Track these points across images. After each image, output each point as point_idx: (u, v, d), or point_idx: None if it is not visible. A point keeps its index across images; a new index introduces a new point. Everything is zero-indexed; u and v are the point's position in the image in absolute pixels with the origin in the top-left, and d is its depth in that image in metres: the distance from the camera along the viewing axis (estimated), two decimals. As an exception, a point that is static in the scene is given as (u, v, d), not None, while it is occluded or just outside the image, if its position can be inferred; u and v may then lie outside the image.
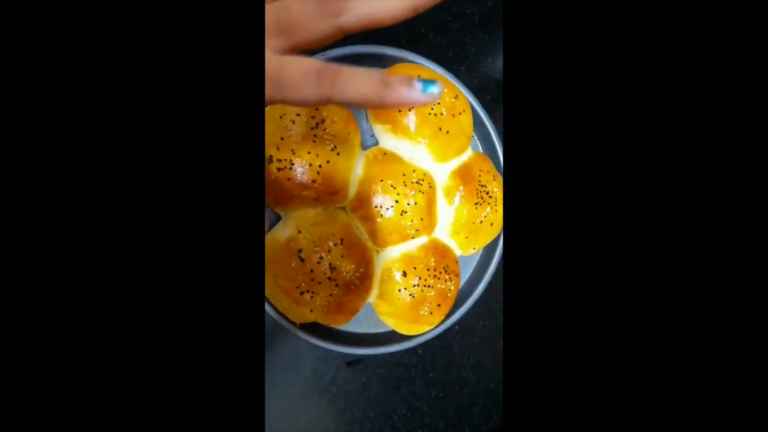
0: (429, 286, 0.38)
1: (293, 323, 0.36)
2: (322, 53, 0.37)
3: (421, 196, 0.37)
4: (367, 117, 0.40)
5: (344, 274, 0.34)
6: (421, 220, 0.37)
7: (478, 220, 0.40)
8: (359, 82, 0.19)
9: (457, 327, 0.43)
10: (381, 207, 0.36)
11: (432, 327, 0.39)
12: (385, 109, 0.37)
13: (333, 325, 0.38)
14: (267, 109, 0.35)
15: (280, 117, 0.34)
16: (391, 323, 0.39)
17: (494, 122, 0.42)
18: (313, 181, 0.34)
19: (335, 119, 0.35)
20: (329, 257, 0.34)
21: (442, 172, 0.40)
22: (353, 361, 0.42)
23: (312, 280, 0.34)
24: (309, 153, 0.34)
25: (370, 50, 0.39)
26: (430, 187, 0.38)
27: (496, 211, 0.40)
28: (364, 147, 0.39)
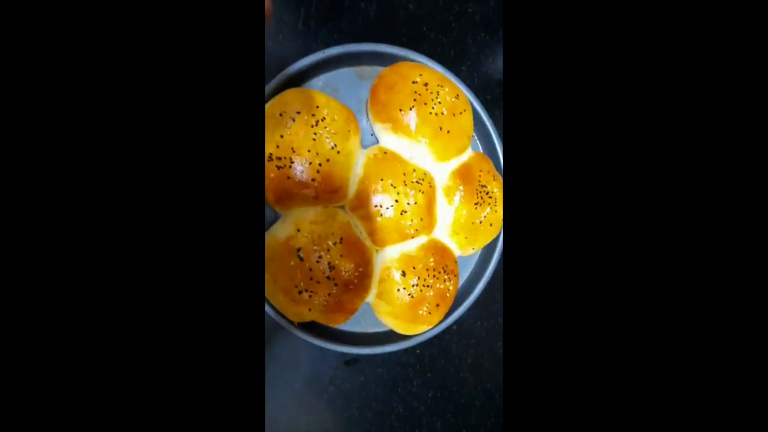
0: (428, 286, 0.37)
1: (291, 322, 0.35)
2: (322, 51, 0.37)
3: (421, 196, 0.37)
4: (367, 115, 0.39)
5: (343, 273, 0.34)
6: (421, 219, 0.37)
7: (477, 221, 0.39)
8: None
9: (455, 327, 0.43)
10: (380, 206, 0.36)
11: (430, 327, 0.39)
12: (386, 109, 0.37)
13: (331, 325, 0.38)
14: (267, 106, 0.34)
15: (280, 114, 0.34)
16: (390, 323, 0.39)
17: (495, 122, 0.42)
18: (313, 180, 0.34)
19: (335, 117, 0.35)
20: (328, 256, 0.34)
21: (442, 171, 0.40)
22: (351, 361, 0.42)
23: (311, 279, 0.34)
24: (309, 151, 0.33)
25: (370, 48, 0.38)
26: (430, 186, 0.38)
27: (496, 211, 0.40)
28: (364, 146, 0.39)
